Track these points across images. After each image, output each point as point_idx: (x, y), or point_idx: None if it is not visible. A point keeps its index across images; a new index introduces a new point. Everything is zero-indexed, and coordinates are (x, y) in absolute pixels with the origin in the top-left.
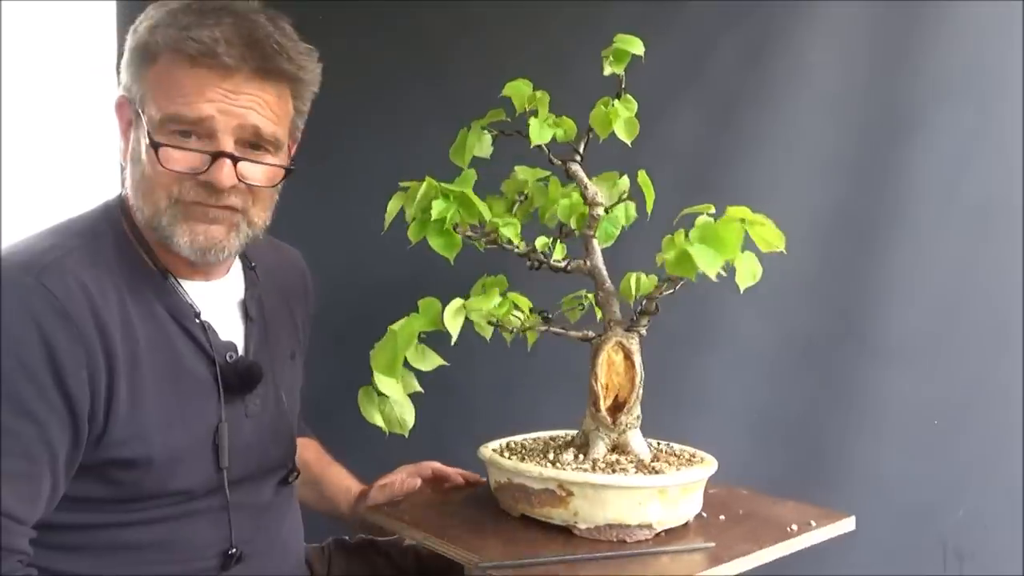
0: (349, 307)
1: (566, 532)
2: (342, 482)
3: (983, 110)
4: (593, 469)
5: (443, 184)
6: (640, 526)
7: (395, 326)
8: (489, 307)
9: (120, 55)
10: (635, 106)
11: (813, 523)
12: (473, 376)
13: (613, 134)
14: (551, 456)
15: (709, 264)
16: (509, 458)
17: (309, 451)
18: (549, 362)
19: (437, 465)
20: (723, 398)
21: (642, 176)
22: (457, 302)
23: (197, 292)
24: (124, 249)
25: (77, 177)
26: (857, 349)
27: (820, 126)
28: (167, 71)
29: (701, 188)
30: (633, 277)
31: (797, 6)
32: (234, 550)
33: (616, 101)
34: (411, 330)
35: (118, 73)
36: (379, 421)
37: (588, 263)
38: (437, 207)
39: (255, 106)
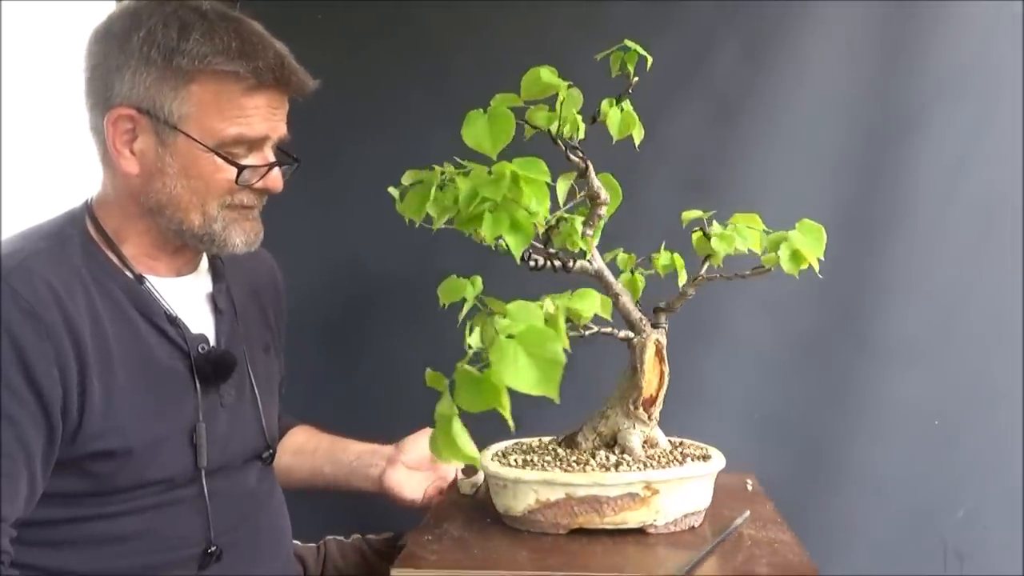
0: (347, 307)
1: (623, 535)
2: (363, 444)
3: (983, 110)
4: (657, 464)
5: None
6: (699, 512)
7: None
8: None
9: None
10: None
11: None
12: None
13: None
14: (580, 459)
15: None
16: (544, 469)
17: (304, 432)
18: None
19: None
20: (723, 398)
21: (607, 178)
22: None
23: (166, 289)
24: (91, 251)
25: (77, 177)
26: (857, 349)
27: (820, 126)
28: (221, 93)
29: (701, 188)
30: (665, 255)
31: (797, 6)
32: (213, 548)
33: (624, 102)
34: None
35: (100, 82)
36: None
37: (594, 264)
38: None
39: (283, 117)
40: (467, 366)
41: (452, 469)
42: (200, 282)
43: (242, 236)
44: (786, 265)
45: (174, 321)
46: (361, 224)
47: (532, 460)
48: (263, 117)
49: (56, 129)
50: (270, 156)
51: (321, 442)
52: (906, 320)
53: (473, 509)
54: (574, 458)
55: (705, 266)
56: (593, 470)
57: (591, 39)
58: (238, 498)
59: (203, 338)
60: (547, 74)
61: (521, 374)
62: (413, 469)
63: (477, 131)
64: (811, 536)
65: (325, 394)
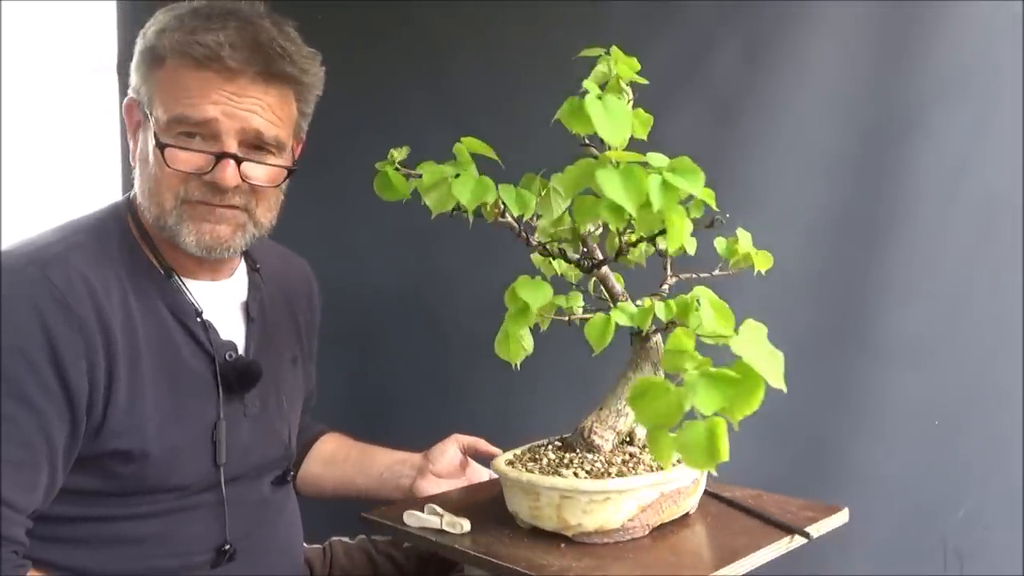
0: (349, 310)
1: (674, 522)
2: (392, 454)
3: (983, 110)
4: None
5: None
6: None
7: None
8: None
9: (120, 55)
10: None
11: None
12: (474, 379)
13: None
14: (626, 460)
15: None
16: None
17: (333, 440)
18: (547, 365)
19: (467, 440)
20: None
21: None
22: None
23: (200, 292)
24: (129, 247)
25: (77, 177)
26: (857, 349)
27: (820, 126)
28: (174, 74)
29: None
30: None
31: (797, 6)
32: (228, 547)
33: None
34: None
35: (119, 74)
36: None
37: (602, 269)
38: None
39: (257, 109)
40: (713, 367)
41: (478, 473)
42: (235, 289)
43: (193, 236)
44: (759, 264)
45: (205, 324)
46: (360, 223)
47: (588, 469)
48: (212, 100)
49: (57, 129)
50: (229, 148)
51: (351, 452)
52: (906, 320)
53: (515, 539)
54: (620, 458)
55: (668, 267)
56: (652, 468)
57: (591, 39)
58: (253, 506)
59: (232, 345)
60: (626, 70)
61: (765, 368)
62: (442, 477)
63: (602, 120)
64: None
65: (326, 395)
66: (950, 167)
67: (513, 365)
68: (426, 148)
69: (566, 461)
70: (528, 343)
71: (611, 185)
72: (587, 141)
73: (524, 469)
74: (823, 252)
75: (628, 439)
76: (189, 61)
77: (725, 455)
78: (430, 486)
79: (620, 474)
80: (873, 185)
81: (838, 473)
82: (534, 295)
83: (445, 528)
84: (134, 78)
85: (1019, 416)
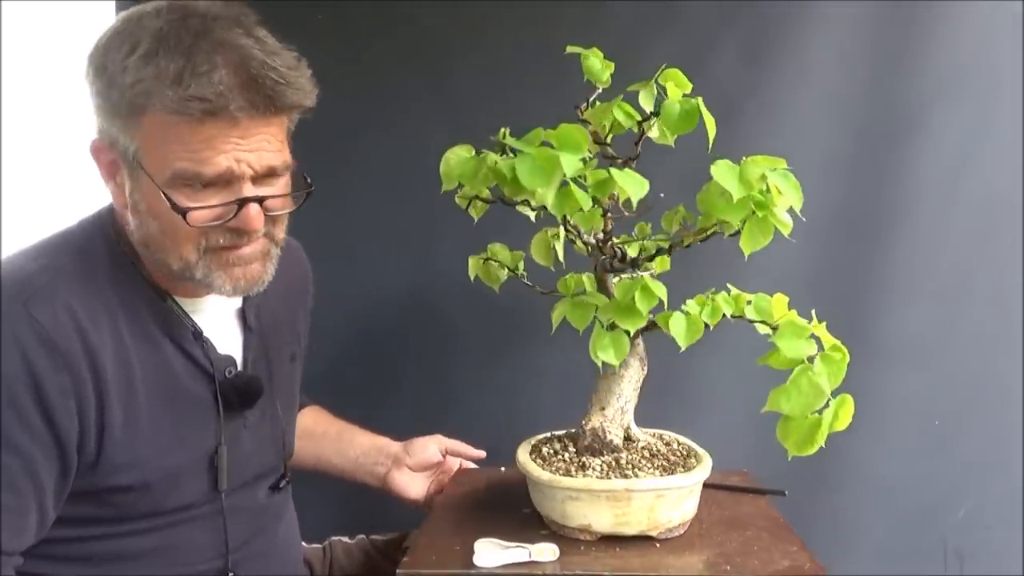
0: (348, 310)
1: None
2: (370, 438)
3: (983, 110)
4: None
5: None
6: None
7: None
8: None
9: None
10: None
11: None
12: (474, 379)
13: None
14: (653, 455)
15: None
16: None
17: (312, 414)
18: (548, 365)
19: (450, 444)
20: (724, 397)
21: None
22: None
23: (194, 306)
24: (118, 268)
25: (77, 178)
26: (857, 349)
27: (820, 126)
28: (168, 126)
29: (701, 188)
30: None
31: (797, 6)
32: (231, 574)
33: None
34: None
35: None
36: None
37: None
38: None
39: (264, 145)
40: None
41: (455, 465)
42: (230, 299)
43: (229, 284)
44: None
45: (201, 341)
46: (361, 223)
47: (648, 467)
48: (221, 151)
49: (57, 130)
50: (247, 191)
51: (329, 429)
52: (907, 320)
53: (605, 550)
54: (648, 453)
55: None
56: (680, 460)
57: (591, 39)
58: (252, 512)
59: (230, 360)
60: (677, 74)
61: None
62: (418, 471)
63: (711, 122)
64: (812, 535)
65: (326, 395)
66: (950, 167)
67: (616, 366)
68: (426, 148)
69: (612, 463)
70: None
71: (786, 186)
72: (606, 141)
73: (593, 477)
74: (823, 252)
75: (627, 436)
76: (186, 118)
77: (845, 425)
78: (406, 478)
79: (672, 466)
80: (873, 185)
81: (839, 473)
82: (663, 291)
83: (536, 559)
84: (101, 121)
85: (1019, 416)
